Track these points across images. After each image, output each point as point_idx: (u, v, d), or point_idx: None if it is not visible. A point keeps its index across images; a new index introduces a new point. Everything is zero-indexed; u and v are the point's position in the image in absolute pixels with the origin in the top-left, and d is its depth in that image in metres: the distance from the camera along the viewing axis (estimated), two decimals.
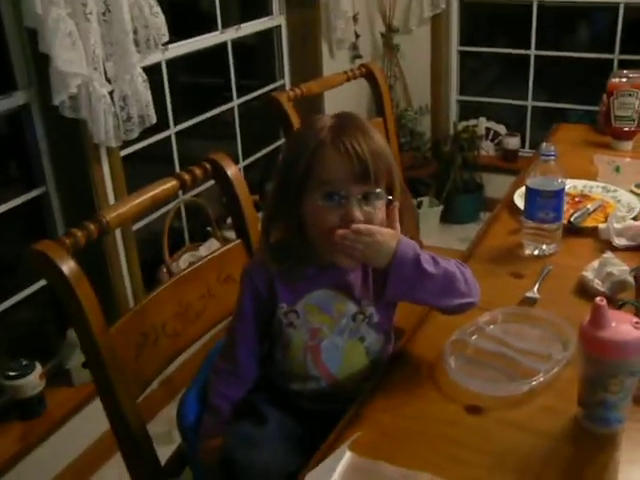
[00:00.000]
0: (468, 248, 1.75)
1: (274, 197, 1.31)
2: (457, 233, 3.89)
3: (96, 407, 2.39)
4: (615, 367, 1.04)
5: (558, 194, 1.61)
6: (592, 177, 2.08)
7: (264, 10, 3.44)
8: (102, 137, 2.18)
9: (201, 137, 3.22)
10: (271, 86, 3.52)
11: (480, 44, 4.30)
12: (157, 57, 2.62)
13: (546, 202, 1.61)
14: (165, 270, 2.70)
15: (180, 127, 2.93)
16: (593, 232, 1.74)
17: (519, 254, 1.68)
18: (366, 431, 1.14)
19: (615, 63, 3.86)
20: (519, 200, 1.87)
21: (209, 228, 2.98)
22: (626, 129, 2.32)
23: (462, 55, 4.26)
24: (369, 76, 2.45)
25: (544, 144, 1.62)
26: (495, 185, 4.12)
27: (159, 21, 2.23)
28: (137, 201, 1.49)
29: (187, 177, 1.60)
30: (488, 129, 4.24)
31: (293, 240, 1.30)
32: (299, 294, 1.33)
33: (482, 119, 4.22)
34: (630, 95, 2.29)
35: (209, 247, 2.87)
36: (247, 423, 1.31)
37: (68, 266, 1.30)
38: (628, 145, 2.35)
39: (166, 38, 2.26)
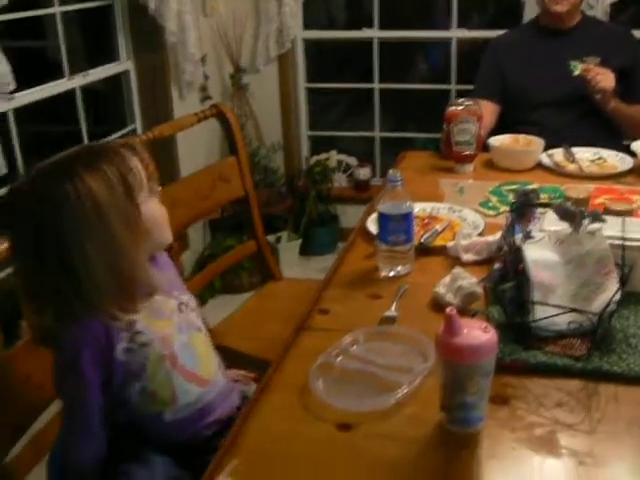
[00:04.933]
0: (326, 275, 1.80)
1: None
2: (317, 264, 3.98)
3: None
4: (470, 369, 1.12)
5: (407, 217, 1.70)
6: (439, 200, 2.20)
7: (111, 55, 3.43)
8: None
9: None
10: (122, 131, 3.50)
11: (327, 80, 4.45)
12: (3, 106, 2.57)
13: (396, 225, 1.69)
14: (25, 324, 2.61)
15: None
16: (443, 250, 1.85)
17: (375, 277, 1.75)
18: (242, 459, 1.16)
19: (452, 93, 4.11)
20: (372, 226, 1.96)
21: None
22: (466, 153, 2.48)
23: (310, 91, 4.39)
24: (220, 116, 2.49)
25: (391, 171, 1.70)
26: (349, 215, 4.26)
27: (3, 69, 2.19)
28: None
29: None
30: (340, 161, 4.38)
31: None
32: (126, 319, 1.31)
33: (333, 152, 4.35)
34: (468, 121, 2.44)
35: None
36: (126, 464, 1.30)
37: None
38: (469, 168, 2.50)
39: (12, 86, 2.22)
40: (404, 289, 1.65)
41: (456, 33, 4.01)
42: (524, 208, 1.51)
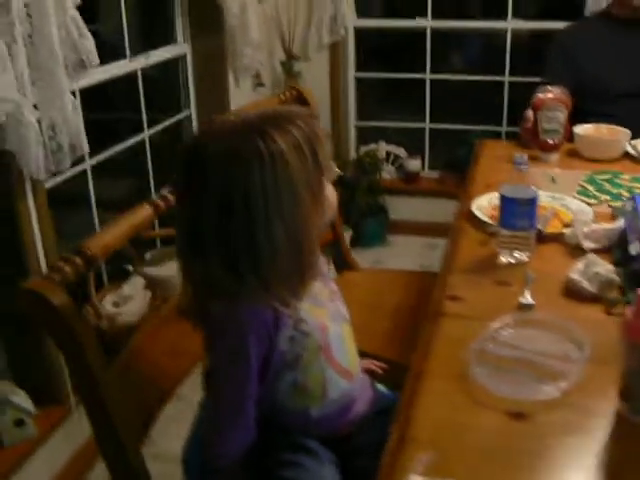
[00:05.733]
0: (442, 263, 1.73)
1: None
2: (367, 256, 3.88)
3: (31, 468, 2.22)
4: None
5: (532, 202, 1.64)
6: None
7: (168, 39, 3.35)
8: (33, 169, 2.04)
9: (110, 173, 3.07)
10: (177, 117, 3.43)
11: (373, 69, 4.38)
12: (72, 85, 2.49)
13: (522, 210, 1.63)
14: (92, 311, 2.55)
15: (97, 159, 2.79)
16: (557, 238, 1.78)
17: (495, 263, 1.68)
18: (419, 452, 1.09)
19: (506, 84, 4.03)
20: (479, 212, 1.91)
21: (129, 266, 2.84)
22: (553, 142, 2.41)
23: (359, 81, 4.31)
24: (300, 98, 2.43)
25: (517, 154, 1.65)
26: (397, 207, 4.20)
27: (88, 43, 2.11)
28: (120, 230, 1.41)
29: (161, 203, 1.52)
30: (388, 153, 4.30)
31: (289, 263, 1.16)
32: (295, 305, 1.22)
33: (382, 143, 4.28)
34: (557, 110, 2.38)
35: (134, 285, 2.74)
36: (289, 453, 1.24)
37: (62, 301, 1.20)
38: (555, 157, 2.43)
39: (97, 61, 2.15)
40: (532, 276, 1.58)
41: (511, 24, 3.93)
42: None
